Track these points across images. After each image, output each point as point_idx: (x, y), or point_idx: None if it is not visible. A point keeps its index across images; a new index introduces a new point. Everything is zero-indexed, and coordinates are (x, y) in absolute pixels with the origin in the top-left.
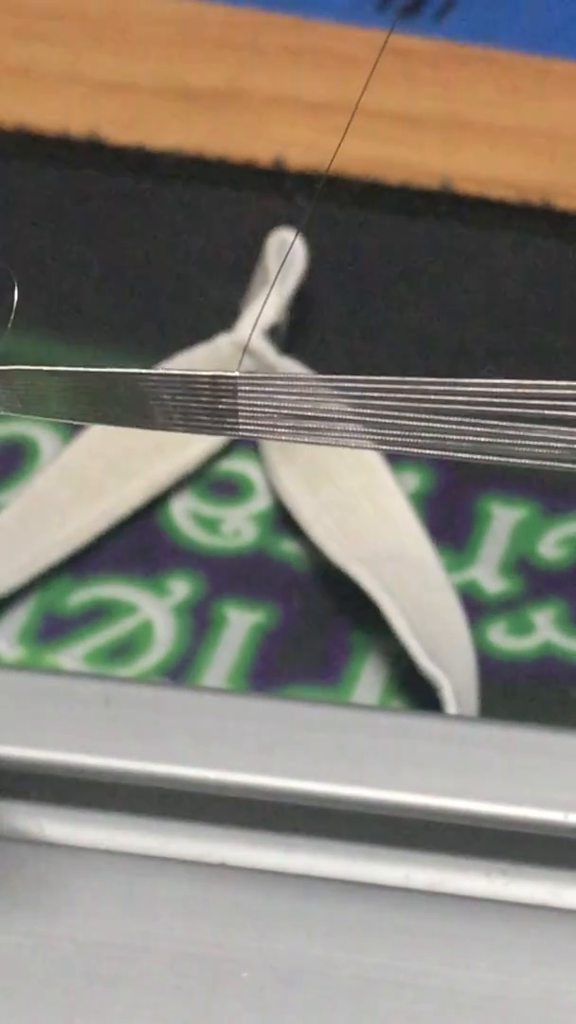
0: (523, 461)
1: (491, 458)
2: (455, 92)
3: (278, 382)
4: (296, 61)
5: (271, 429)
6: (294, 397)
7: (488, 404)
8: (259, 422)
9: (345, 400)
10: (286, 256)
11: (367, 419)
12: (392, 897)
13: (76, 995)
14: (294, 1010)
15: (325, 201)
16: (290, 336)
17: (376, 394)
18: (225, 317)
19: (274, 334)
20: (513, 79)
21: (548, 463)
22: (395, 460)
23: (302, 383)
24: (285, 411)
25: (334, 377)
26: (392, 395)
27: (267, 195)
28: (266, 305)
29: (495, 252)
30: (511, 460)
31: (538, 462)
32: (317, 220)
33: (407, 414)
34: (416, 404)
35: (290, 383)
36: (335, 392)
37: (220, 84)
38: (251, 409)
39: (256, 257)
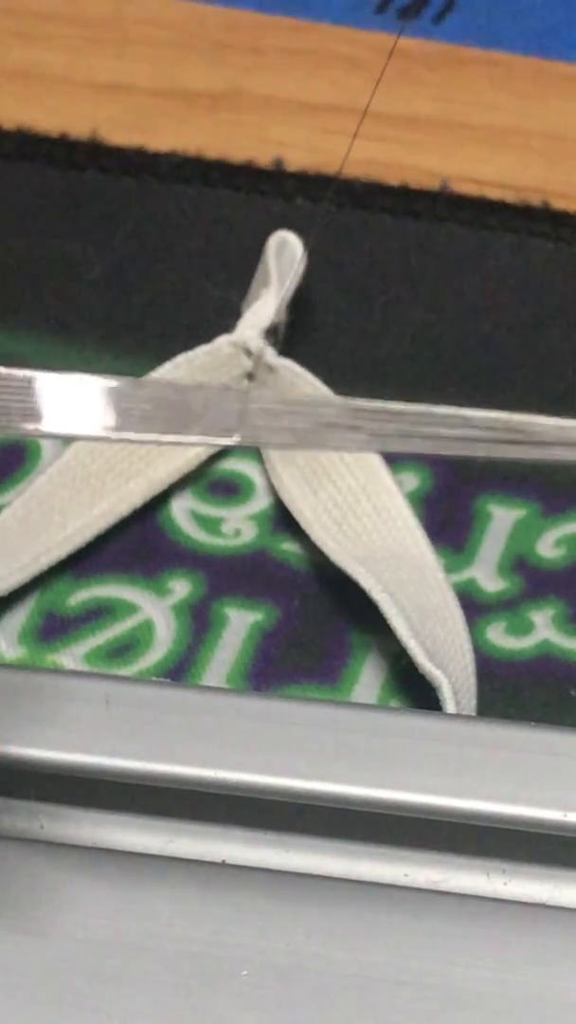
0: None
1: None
2: (454, 93)
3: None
4: (296, 63)
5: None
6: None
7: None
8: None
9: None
10: (295, 259)
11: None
12: (392, 896)
13: (76, 994)
14: (294, 1008)
15: (325, 201)
16: (289, 336)
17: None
18: (225, 317)
19: (273, 334)
20: (512, 81)
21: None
22: (394, 460)
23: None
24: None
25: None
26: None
27: (267, 196)
28: (266, 305)
29: (494, 253)
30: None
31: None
32: (316, 221)
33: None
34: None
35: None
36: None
37: (220, 86)
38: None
39: (256, 257)
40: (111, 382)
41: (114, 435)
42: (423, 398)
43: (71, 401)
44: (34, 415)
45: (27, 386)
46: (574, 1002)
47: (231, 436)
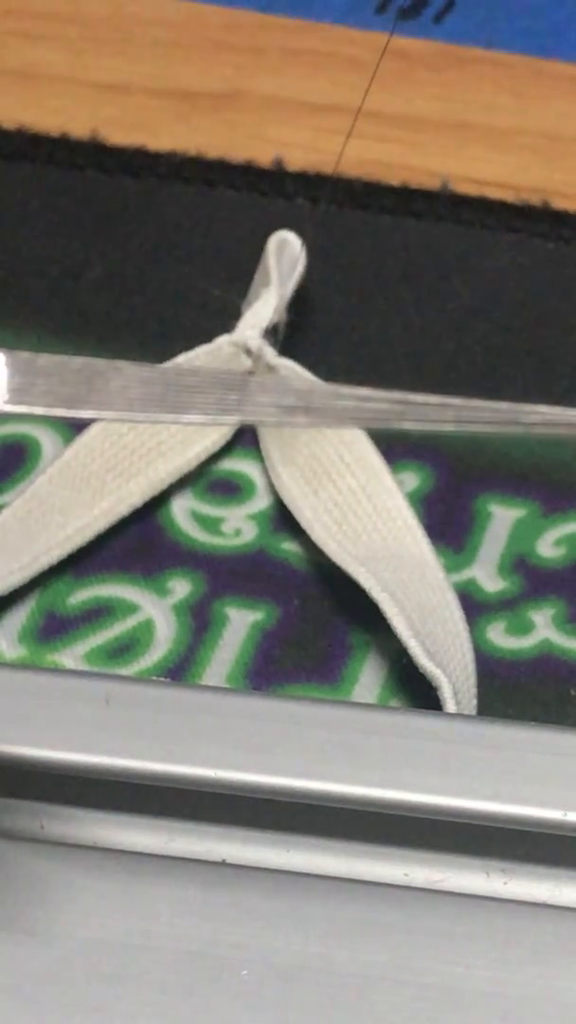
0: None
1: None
2: (455, 93)
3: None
4: (296, 63)
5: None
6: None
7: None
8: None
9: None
10: (295, 259)
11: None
12: (392, 895)
13: (76, 994)
14: (294, 1008)
15: (324, 201)
16: (289, 336)
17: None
18: (225, 317)
19: (273, 334)
20: (512, 80)
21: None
22: (394, 460)
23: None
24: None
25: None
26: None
27: (267, 196)
28: (266, 305)
29: (494, 253)
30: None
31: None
32: (317, 220)
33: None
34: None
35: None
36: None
37: (220, 86)
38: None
39: (256, 257)
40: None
41: (112, 415)
42: None
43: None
44: (49, 396)
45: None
46: (574, 1002)
47: (231, 416)
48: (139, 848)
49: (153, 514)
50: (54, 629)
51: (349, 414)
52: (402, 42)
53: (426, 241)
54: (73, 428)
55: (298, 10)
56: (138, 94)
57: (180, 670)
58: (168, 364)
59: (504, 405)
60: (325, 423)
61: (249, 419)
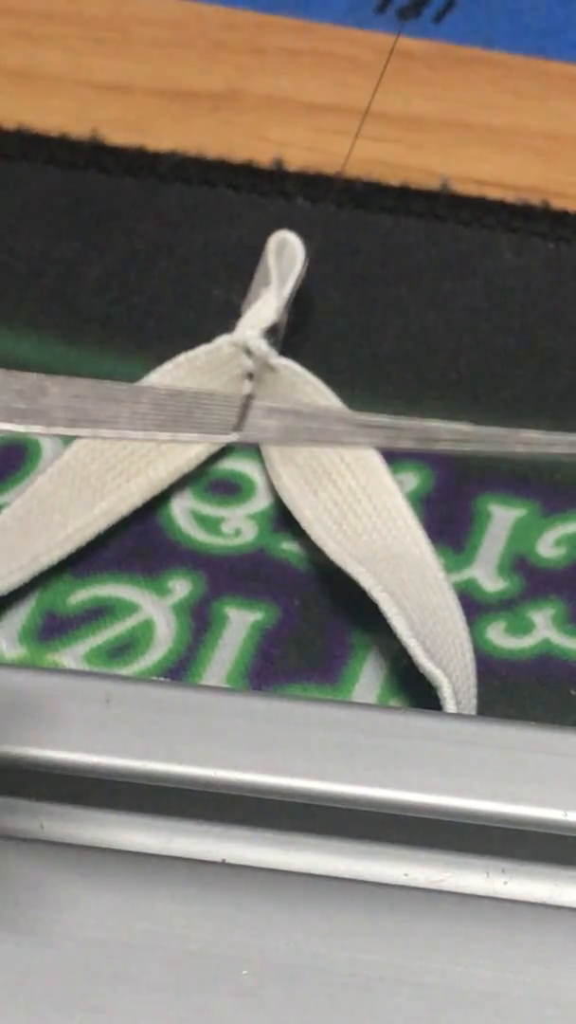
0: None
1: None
2: (454, 93)
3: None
4: (295, 63)
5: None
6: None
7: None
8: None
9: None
10: (295, 259)
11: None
12: (391, 895)
13: (76, 994)
14: (294, 1008)
15: (325, 201)
16: (289, 336)
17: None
18: (225, 317)
19: (273, 334)
20: (512, 80)
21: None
22: (394, 460)
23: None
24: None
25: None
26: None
27: (267, 196)
28: (266, 305)
29: (494, 253)
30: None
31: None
32: (317, 220)
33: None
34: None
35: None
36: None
37: (220, 85)
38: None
39: (256, 257)
40: (112, 385)
41: (114, 434)
42: (423, 398)
43: (74, 403)
44: (38, 416)
45: (30, 389)
46: (574, 1002)
47: (229, 434)
48: (139, 848)
49: (153, 514)
50: (54, 629)
51: (352, 437)
52: (402, 42)
53: (426, 241)
54: None
55: (298, 10)
56: (138, 94)
57: (180, 670)
58: (167, 364)
59: (502, 432)
60: (328, 445)
61: (249, 439)
